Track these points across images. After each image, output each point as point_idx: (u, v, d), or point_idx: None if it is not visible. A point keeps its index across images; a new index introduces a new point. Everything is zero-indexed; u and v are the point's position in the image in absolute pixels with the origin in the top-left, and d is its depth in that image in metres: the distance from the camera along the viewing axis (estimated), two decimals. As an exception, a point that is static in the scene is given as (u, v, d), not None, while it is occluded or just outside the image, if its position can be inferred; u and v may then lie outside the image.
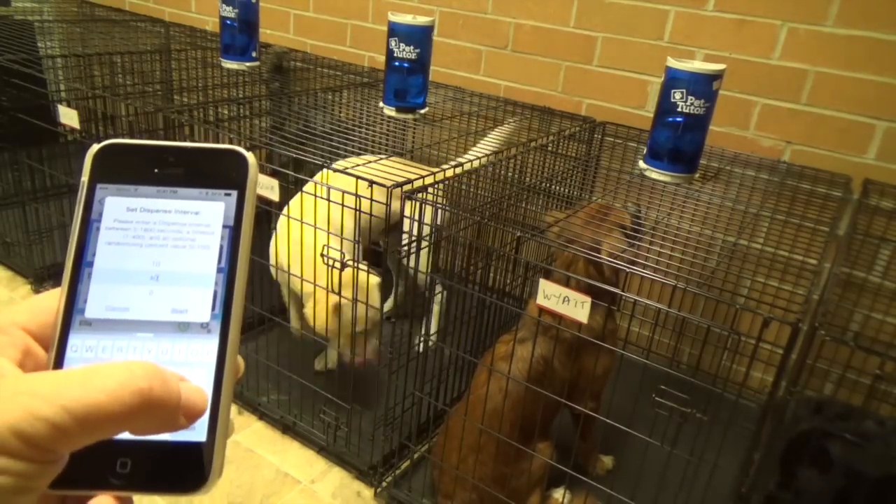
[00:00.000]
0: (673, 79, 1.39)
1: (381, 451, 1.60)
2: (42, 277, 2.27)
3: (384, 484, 1.59)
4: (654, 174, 1.48)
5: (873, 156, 1.72)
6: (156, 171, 0.34)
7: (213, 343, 0.32)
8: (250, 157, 0.34)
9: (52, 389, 0.26)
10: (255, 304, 1.81)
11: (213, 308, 0.33)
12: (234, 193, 0.34)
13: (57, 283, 0.33)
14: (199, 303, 0.33)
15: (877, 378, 1.01)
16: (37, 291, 2.20)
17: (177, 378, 0.29)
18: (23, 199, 2.19)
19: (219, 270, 0.33)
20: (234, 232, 0.33)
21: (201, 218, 0.34)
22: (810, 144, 1.79)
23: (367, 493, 1.60)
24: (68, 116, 1.85)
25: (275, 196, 1.52)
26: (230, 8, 2.01)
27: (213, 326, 0.32)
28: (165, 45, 2.64)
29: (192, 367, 0.32)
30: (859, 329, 1.74)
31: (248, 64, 2.10)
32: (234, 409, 1.81)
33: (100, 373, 0.27)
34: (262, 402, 1.79)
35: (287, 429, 1.76)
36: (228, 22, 2.03)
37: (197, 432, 0.31)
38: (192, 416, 0.29)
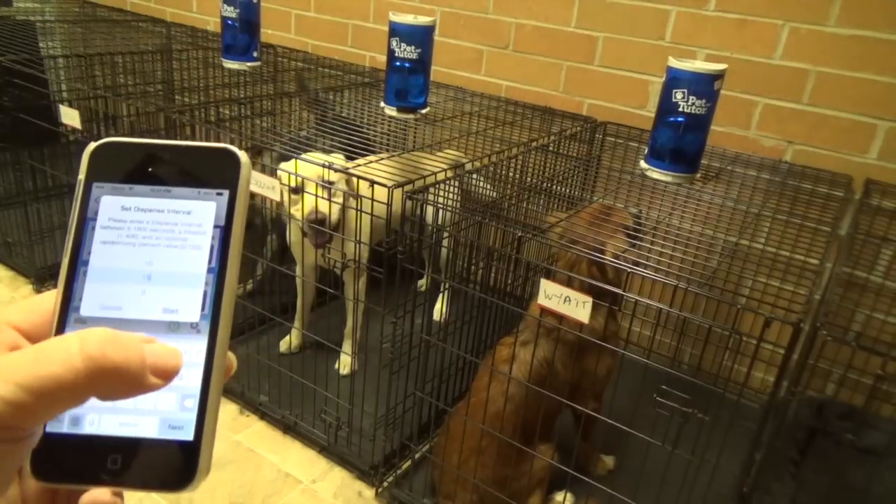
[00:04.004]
0: (674, 79, 1.39)
1: (383, 451, 1.59)
2: (43, 277, 2.27)
3: (385, 484, 1.59)
4: (656, 174, 1.48)
5: (875, 155, 1.72)
6: (150, 169, 0.34)
7: (202, 343, 0.32)
8: (243, 155, 0.34)
9: (5, 369, 0.26)
10: (256, 304, 1.81)
11: (203, 308, 0.33)
12: (226, 193, 0.34)
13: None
14: (190, 303, 0.33)
15: (879, 378, 1.01)
16: (38, 291, 2.20)
17: (139, 340, 0.29)
18: (24, 199, 2.19)
19: (209, 271, 0.33)
20: (224, 232, 0.33)
21: (193, 217, 0.34)
22: (812, 144, 1.79)
23: (369, 493, 1.60)
24: (70, 116, 1.85)
25: (275, 196, 1.52)
26: (231, 8, 2.01)
27: (203, 326, 0.32)
28: (167, 46, 2.64)
29: (182, 366, 0.32)
30: (861, 329, 1.74)
31: (249, 64, 2.10)
32: (235, 409, 1.82)
33: (53, 345, 0.27)
34: (264, 402, 1.79)
35: (288, 429, 1.76)
36: (230, 22, 2.03)
37: (185, 431, 0.31)
38: (164, 375, 0.29)
